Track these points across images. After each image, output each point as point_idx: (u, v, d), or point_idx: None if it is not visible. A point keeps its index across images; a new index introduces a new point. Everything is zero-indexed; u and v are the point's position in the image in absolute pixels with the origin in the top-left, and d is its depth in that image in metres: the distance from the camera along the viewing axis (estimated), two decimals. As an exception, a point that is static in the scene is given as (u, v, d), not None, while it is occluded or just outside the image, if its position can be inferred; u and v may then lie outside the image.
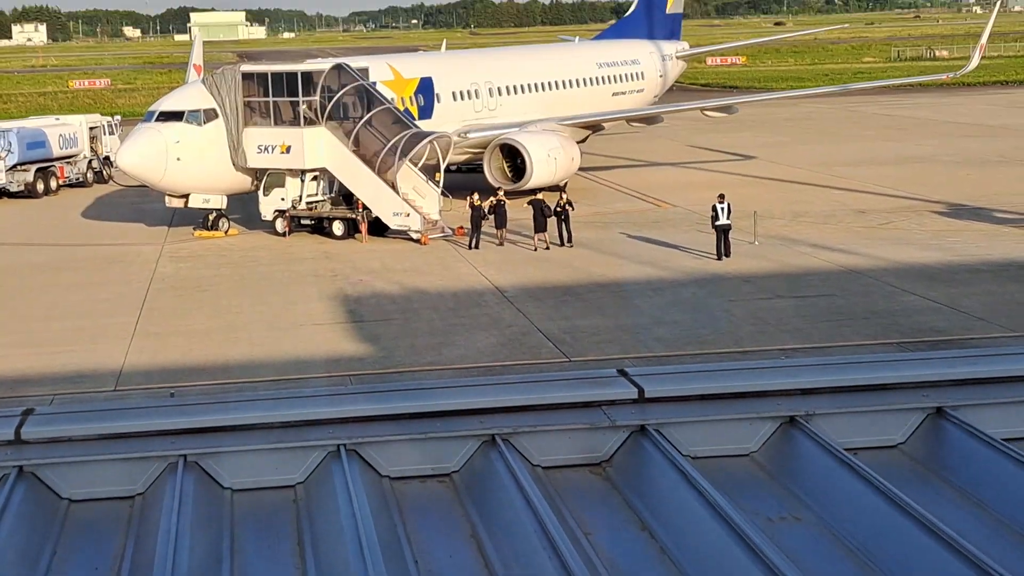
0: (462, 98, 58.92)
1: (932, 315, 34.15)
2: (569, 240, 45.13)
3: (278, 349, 33.02)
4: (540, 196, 46.87)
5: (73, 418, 7.16)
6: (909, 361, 8.25)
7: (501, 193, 47.92)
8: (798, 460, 6.94)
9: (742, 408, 7.22)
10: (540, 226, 44.86)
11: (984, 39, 64.72)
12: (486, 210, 45.90)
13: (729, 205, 42.57)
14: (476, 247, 45.37)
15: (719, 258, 41.93)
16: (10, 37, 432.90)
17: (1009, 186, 55.74)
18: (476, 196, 46.25)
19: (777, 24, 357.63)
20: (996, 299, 35.58)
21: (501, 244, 45.82)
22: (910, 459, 7.15)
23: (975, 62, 64.38)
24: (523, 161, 53.88)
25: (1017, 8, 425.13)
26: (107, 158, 67.17)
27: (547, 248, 44.67)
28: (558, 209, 45.15)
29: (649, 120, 68.58)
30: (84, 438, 6.85)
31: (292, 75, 49.00)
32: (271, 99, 49.07)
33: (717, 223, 42.34)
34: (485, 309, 36.75)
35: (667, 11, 79.52)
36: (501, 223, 46.12)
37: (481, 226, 45.90)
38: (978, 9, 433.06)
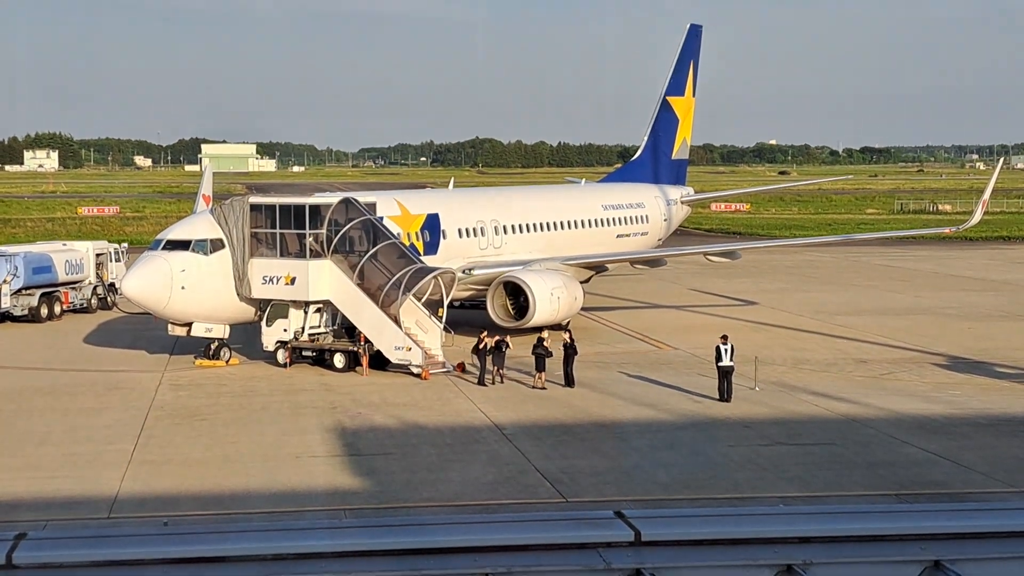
0: (468, 235, 59.37)
1: (931, 467, 33.98)
2: (571, 381, 45.05)
3: (274, 480, 32.83)
4: (545, 334, 46.90)
5: (66, 544, 7.11)
6: (908, 513, 8.22)
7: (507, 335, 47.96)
8: (794, 609, 6.88)
9: (739, 555, 7.17)
10: (540, 365, 44.92)
11: (987, 195, 65.31)
12: (490, 347, 45.87)
13: (732, 347, 42.75)
14: (483, 383, 45.43)
15: (721, 399, 41.92)
16: (22, 163, 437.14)
17: (1009, 341, 55.83)
18: (485, 334, 46.42)
19: (782, 173, 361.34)
20: (996, 453, 35.42)
21: (502, 382, 45.70)
22: None
23: (978, 217, 64.84)
24: (526, 299, 54.11)
25: (1020, 165, 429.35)
26: (112, 285, 67.43)
27: (544, 388, 44.63)
28: (566, 347, 45.25)
29: (652, 263, 68.96)
30: (76, 565, 6.80)
31: (300, 208, 49.39)
32: (278, 231, 49.40)
33: (720, 364, 42.44)
34: (483, 446, 36.60)
35: (673, 156, 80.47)
36: (499, 362, 46.06)
37: (487, 362, 45.93)
38: (981, 165, 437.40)
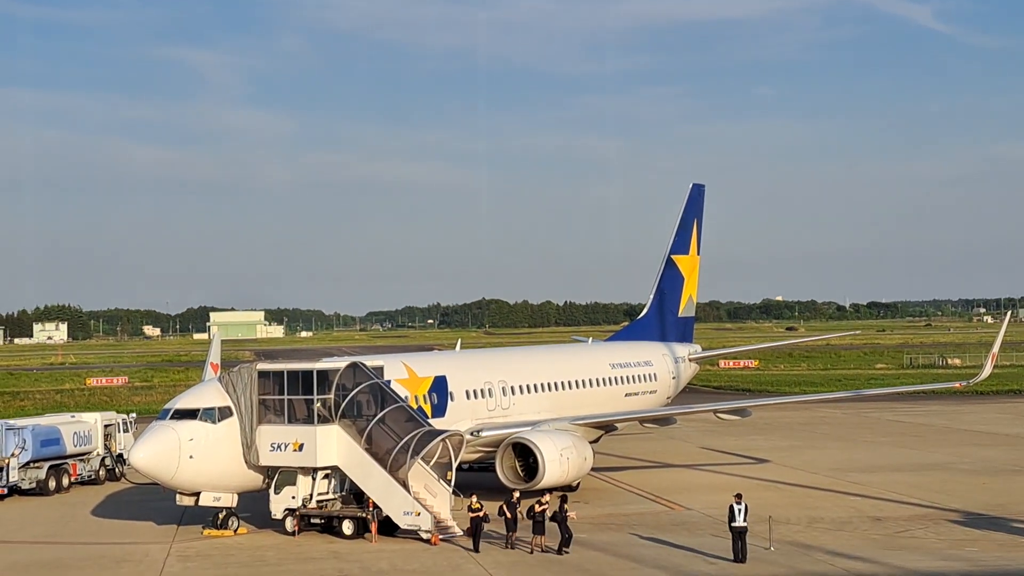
0: (475, 396, 59.24)
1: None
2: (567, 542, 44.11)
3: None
4: (546, 498, 46.13)
5: None
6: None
7: (516, 495, 47.24)
8: None
9: None
10: (538, 528, 44.22)
11: (996, 348, 65.26)
12: (517, 511, 45.08)
13: (747, 506, 42.35)
14: (477, 550, 44.61)
15: (735, 560, 41.38)
16: (31, 335, 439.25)
17: (1025, 495, 55.34)
18: (474, 499, 45.72)
19: (789, 329, 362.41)
20: (1017, 610, 34.86)
21: (543, 551, 44.29)
22: None
23: (988, 371, 64.59)
24: (535, 460, 53.79)
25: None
26: (120, 456, 67.15)
27: (543, 551, 43.85)
28: (562, 511, 44.35)
29: (662, 421, 68.64)
30: None
31: (308, 373, 49.34)
32: (286, 397, 49.29)
33: (733, 524, 42.00)
34: (495, 613, 36.02)
35: (679, 314, 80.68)
36: (512, 526, 45.26)
37: (482, 528, 45.22)
38: (988, 319, 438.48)
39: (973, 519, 49.59)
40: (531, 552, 43.96)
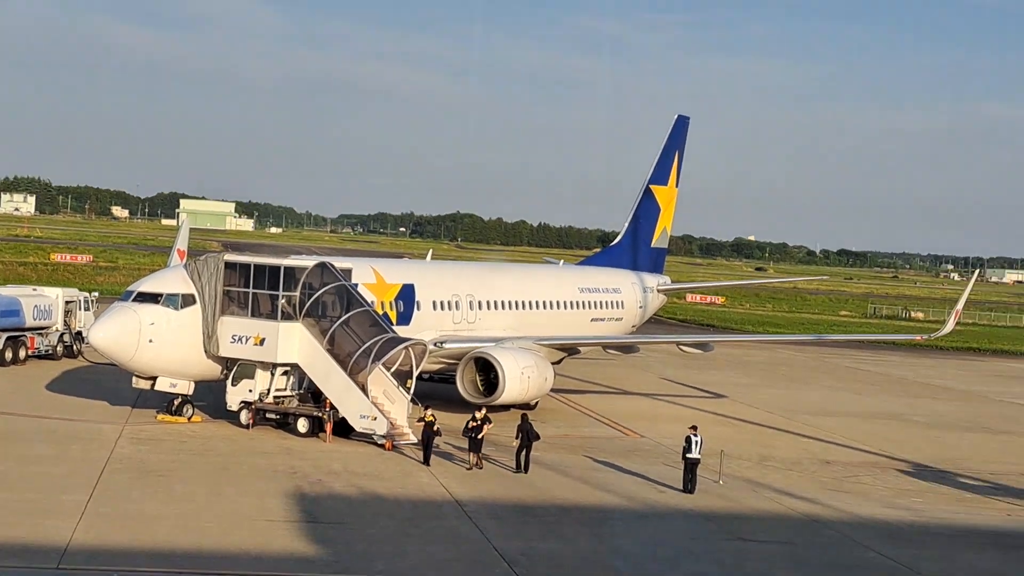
0: (442, 308, 59.19)
1: (890, 574, 33.77)
2: (526, 467, 43.71)
3: (228, 542, 32.34)
4: (480, 413, 45.05)
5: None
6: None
7: (484, 411, 46.57)
8: None
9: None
10: (475, 445, 43.86)
11: (960, 305, 65.61)
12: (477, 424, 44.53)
13: (702, 439, 42.60)
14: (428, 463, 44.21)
15: (685, 491, 41.66)
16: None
17: (974, 452, 55.93)
18: (429, 412, 45.53)
19: (758, 269, 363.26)
20: (955, 566, 35.32)
21: (480, 467, 43.93)
22: None
23: (950, 327, 65.01)
24: (496, 376, 53.85)
25: (994, 279, 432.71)
26: (79, 333, 66.94)
27: (481, 467, 43.60)
28: (527, 433, 44.07)
29: (626, 349, 68.89)
30: None
31: (275, 269, 49.14)
32: (251, 290, 49.11)
33: (688, 455, 42.27)
34: (443, 521, 36.21)
35: (652, 245, 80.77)
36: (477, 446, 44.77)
37: (432, 441, 44.80)
38: (955, 276, 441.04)
39: (921, 471, 50.08)
40: (468, 469, 43.64)
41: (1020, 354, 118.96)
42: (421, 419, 45.31)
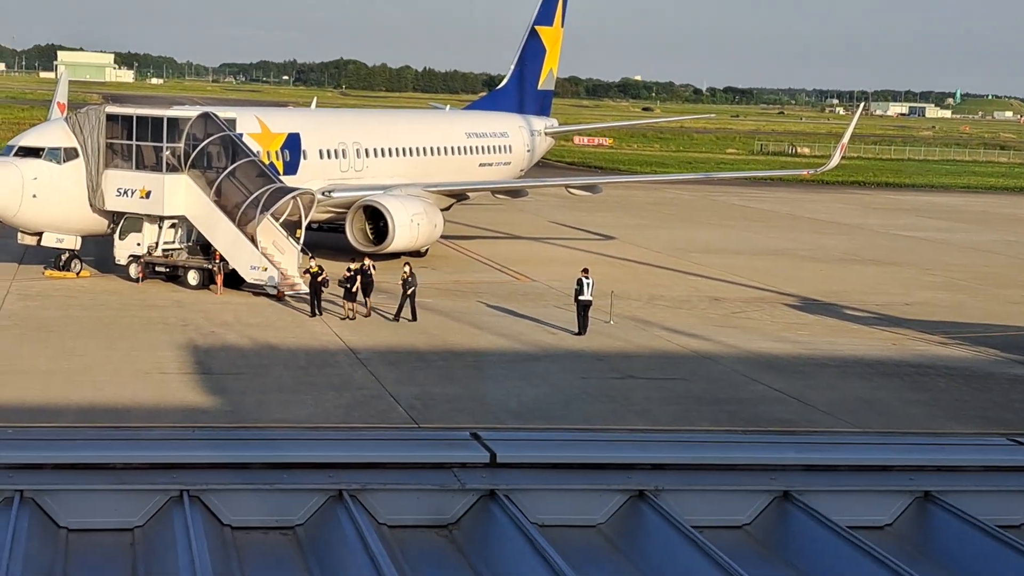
0: (329, 157, 58.71)
1: (779, 405, 34.66)
2: (413, 315, 43.81)
3: (122, 395, 32.33)
4: (354, 264, 44.96)
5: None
6: (759, 444, 8.30)
7: (368, 260, 46.70)
8: (644, 534, 6.92)
9: (593, 479, 7.18)
10: (350, 295, 43.79)
11: (845, 139, 66.34)
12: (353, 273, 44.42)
13: (593, 281, 43.02)
14: (319, 314, 44.12)
15: (579, 333, 42.19)
16: None
17: (859, 284, 57.00)
18: (314, 263, 45.42)
19: (645, 110, 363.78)
20: (841, 394, 36.26)
21: (368, 315, 44.22)
22: (754, 540, 7.17)
23: (835, 161, 65.90)
24: (385, 224, 53.75)
25: (879, 112, 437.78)
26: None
27: (353, 318, 43.60)
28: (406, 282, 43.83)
29: (514, 193, 68.97)
30: None
31: (158, 120, 48.43)
32: (134, 143, 48.38)
33: (580, 298, 42.67)
34: (337, 369, 36.46)
35: (539, 87, 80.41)
36: (367, 291, 45.02)
37: (321, 292, 44.70)
38: (841, 110, 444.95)
39: (808, 304, 51.08)
40: (343, 319, 43.32)
41: (905, 186, 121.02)
42: (307, 270, 45.18)
